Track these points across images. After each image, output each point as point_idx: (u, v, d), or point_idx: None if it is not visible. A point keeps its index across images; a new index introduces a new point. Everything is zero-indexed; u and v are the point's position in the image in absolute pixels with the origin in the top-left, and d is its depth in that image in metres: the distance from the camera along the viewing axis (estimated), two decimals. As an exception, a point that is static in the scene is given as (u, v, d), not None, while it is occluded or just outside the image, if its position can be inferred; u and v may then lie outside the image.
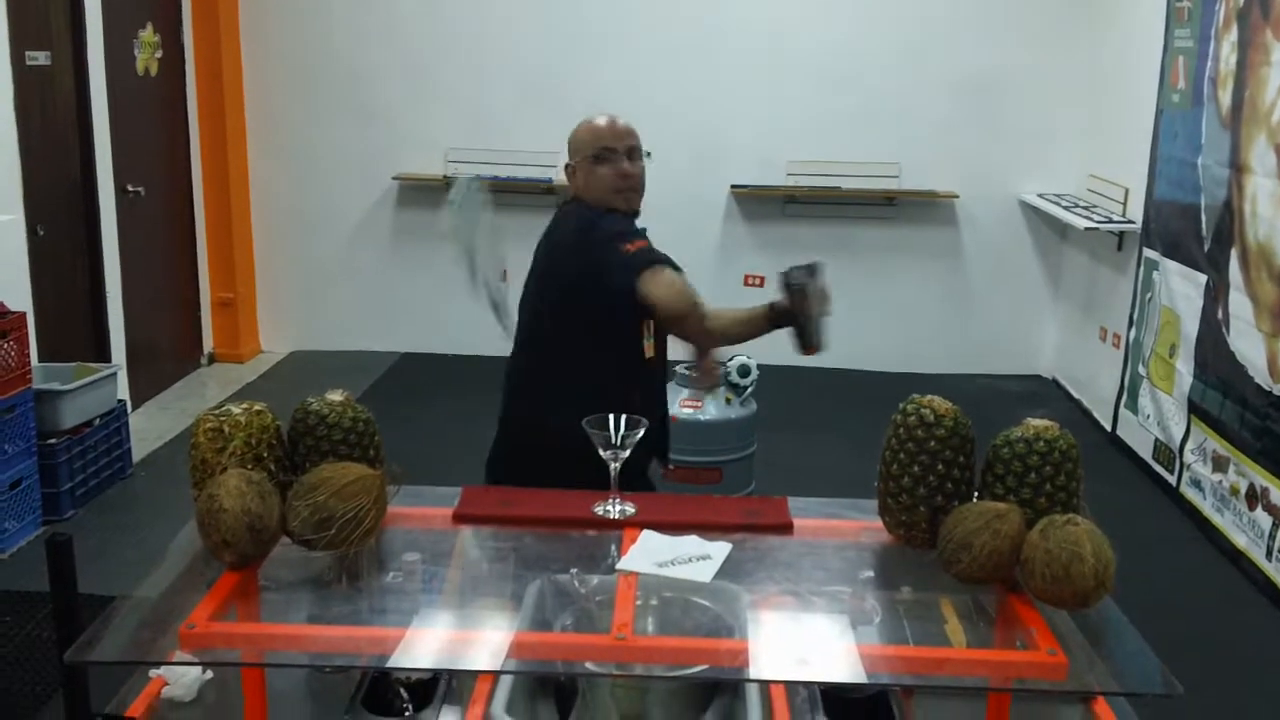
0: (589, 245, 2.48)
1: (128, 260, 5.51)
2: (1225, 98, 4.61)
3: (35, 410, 4.24)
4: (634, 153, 2.60)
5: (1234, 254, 4.45)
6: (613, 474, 1.85)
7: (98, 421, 4.58)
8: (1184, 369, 4.84)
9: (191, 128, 6.26)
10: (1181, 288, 4.93)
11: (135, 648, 1.54)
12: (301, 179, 6.66)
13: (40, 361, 4.52)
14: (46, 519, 4.30)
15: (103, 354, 5.29)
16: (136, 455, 4.94)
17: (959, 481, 1.72)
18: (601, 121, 2.62)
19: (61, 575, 1.63)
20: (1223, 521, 4.40)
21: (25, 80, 4.72)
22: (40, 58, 4.86)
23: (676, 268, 2.43)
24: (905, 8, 6.33)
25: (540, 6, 6.40)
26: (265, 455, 1.70)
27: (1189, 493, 4.72)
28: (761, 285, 6.08)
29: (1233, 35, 4.58)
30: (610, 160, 2.56)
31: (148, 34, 5.78)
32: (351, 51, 6.47)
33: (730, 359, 4.15)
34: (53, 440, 4.32)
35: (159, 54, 5.89)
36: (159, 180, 5.97)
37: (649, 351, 2.57)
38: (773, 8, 6.34)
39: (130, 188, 5.59)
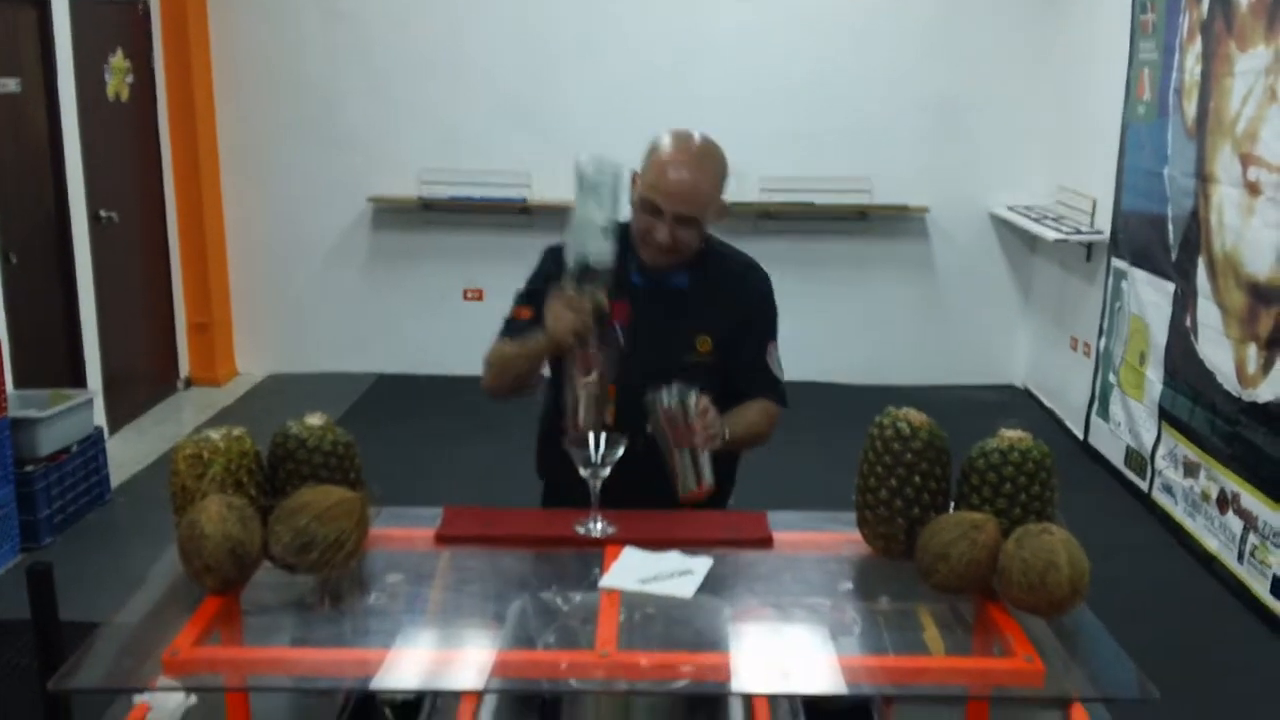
0: None
1: (102, 286, 5.48)
2: (1190, 109, 4.68)
3: (11, 437, 4.22)
4: (684, 222, 2.13)
5: (1201, 262, 4.51)
6: (593, 491, 1.86)
7: (75, 448, 4.55)
8: (1154, 376, 4.90)
9: (164, 152, 6.24)
10: (1150, 296, 4.99)
11: (118, 674, 1.54)
12: (276, 201, 6.65)
13: (15, 389, 4.49)
14: (25, 546, 4.26)
15: (78, 380, 5.25)
16: (114, 481, 4.90)
17: (935, 493, 1.75)
18: (669, 171, 2.12)
19: (43, 603, 1.64)
20: (1194, 526, 4.45)
21: (-4, 107, 4.71)
22: (10, 84, 4.84)
23: (522, 325, 2.20)
24: (877, 25, 6.38)
25: (513, 27, 6.42)
26: (245, 480, 1.70)
27: (1161, 498, 4.77)
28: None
29: (1197, 47, 4.65)
30: (651, 215, 2.15)
31: (118, 59, 5.77)
32: (323, 74, 6.47)
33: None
34: (30, 468, 4.29)
35: (130, 79, 5.88)
36: (132, 205, 5.94)
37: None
38: (746, 26, 6.39)
39: (103, 213, 5.57)
